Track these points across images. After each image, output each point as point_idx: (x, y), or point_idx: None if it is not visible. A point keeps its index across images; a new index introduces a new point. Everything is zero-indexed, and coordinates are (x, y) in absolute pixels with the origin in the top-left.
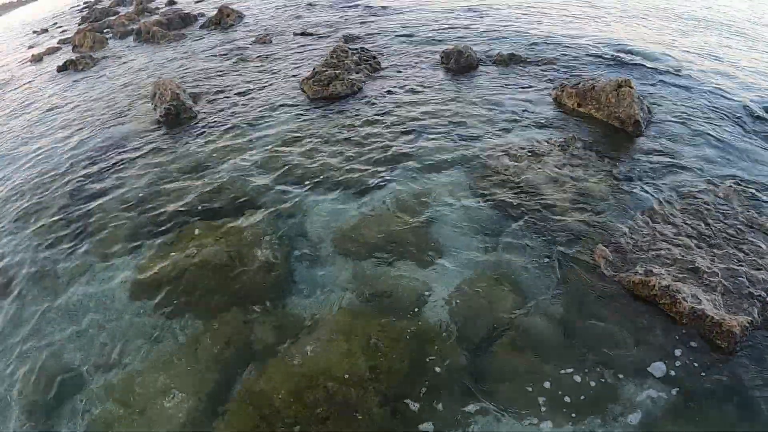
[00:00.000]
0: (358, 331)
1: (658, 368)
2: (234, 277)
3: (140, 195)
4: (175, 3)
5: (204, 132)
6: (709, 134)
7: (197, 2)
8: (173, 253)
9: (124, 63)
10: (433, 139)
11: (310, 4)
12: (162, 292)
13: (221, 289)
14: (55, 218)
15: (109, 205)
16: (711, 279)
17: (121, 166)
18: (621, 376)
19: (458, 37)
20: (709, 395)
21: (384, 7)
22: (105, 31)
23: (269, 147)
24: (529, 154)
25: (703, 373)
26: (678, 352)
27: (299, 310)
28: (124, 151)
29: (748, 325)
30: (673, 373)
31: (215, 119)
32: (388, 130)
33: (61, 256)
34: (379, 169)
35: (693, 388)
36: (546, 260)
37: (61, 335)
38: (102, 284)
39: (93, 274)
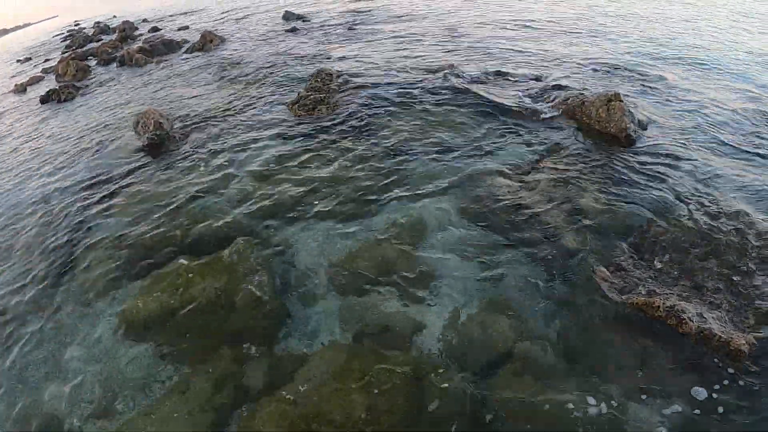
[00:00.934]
0: (353, 367)
1: (668, 392)
2: (223, 315)
3: (125, 231)
4: (158, 30)
5: (189, 161)
6: (703, 143)
7: (180, 29)
8: (160, 293)
9: (108, 91)
10: (422, 161)
11: (293, 29)
12: (150, 334)
13: (211, 329)
14: (37, 258)
15: (92, 243)
16: (715, 296)
17: (105, 201)
18: (630, 401)
19: (441, 55)
20: (723, 417)
21: (366, 29)
22: (88, 58)
23: (255, 175)
24: (521, 172)
25: (715, 394)
26: (684, 374)
27: (292, 347)
28: (107, 185)
29: (756, 341)
30: (683, 395)
31: (200, 147)
32: (376, 154)
33: (44, 298)
34: (369, 195)
35: (705, 411)
36: (544, 284)
37: (46, 383)
38: (88, 328)
39: (78, 318)
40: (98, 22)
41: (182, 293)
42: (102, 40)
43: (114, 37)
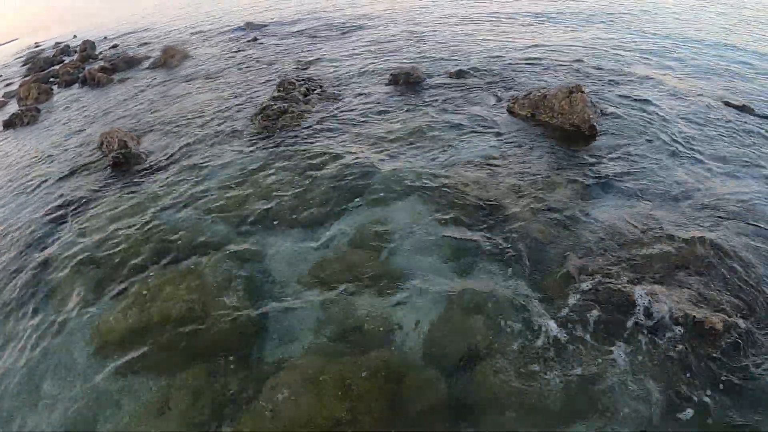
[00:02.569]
0: (331, 372)
1: (646, 370)
2: (197, 328)
3: (94, 249)
4: (118, 47)
5: (155, 177)
6: (665, 130)
7: (141, 45)
8: (133, 308)
9: (71, 113)
10: (387, 164)
11: (254, 39)
12: (125, 351)
13: (186, 342)
14: (5, 282)
15: (63, 263)
16: (687, 277)
17: (73, 221)
18: (607, 389)
19: (404, 58)
20: (700, 392)
21: (328, 36)
22: (51, 80)
23: (223, 187)
24: (488, 168)
25: (692, 372)
26: (665, 355)
27: (268, 356)
28: (74, 205)
29: (729, 321)
30: (664, 375)
31: (166, 163)
32: (343, 159)
33: (17, 319)
34: (338, 201)
35: (685, 387)
36: (516, 276)
37: (20, 404)
38: (62, 347)
39: (52, 337)
40: (59, 43)
41: (155, 308)
42: (63, 61)
43: (75, 57)
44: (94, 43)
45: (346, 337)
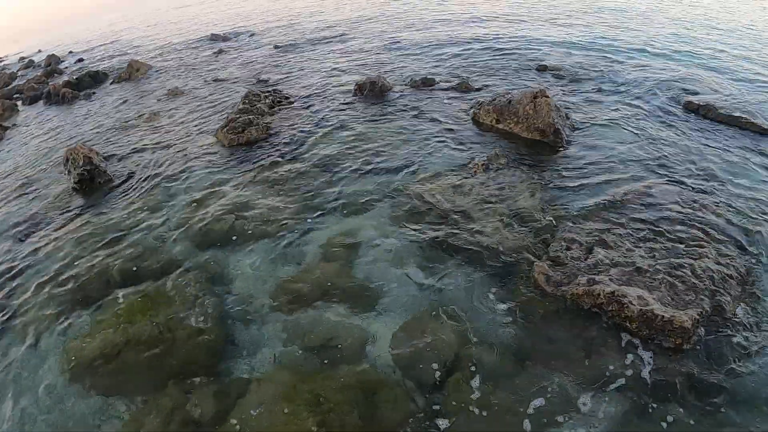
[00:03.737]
0: (303, 387)
1: (615, 376)
2: (167, 347)
3: (61, 270)
4: (83, 61)
5: (121, 195)
6: (629, 133)
7: (106, 58)
8: (102, 330)
9: (36, 129)
10: (354, 176)
11: (219, 51)
12: (97, 374)
13: (157, 363)
14: None
15: (29, 285)
16: (654, 277)
17: (38, 242)
18: (579, 391)
19: (369, 67)
20: (671, 395)
21: (293, 46)
22: (15, 96)
23: (190, 204)
24: (454, 178)
25: (660, 373)
26: (633, 357)
27: (239, 373)
28: (39, 225)
29: (698, 317)
30: (631, 378)
31: (132, 179)
32: (309, 172)
33: None
34: (305, 215)
35: (653, 390)
36: (486, 286)
37: None
38: (31, 372)
39: (21, 362)
40: (23, 58)
41: (124, 329)
42: (27, 76)
43: (39, 72)
44: (59, 57)
45: (317, 352)
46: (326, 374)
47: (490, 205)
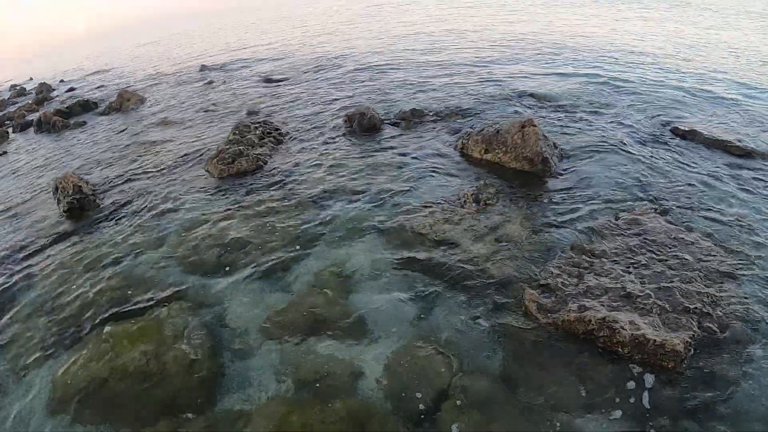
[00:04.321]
0: (294, 421)
1: (608, 401)
2: (157, 380)
3: (49, 299)
4: (74, 90)
5: (111, 224)
6: (617, 160)
7: (97, 88)
8: (90, 362)
9: (26, 157)
10: (345, 207)
11: (209, 82)
12: (84, 407)
13: (145, 396)
14: None
15: (17, 314)
16: (645, 302)
17: (27, 270)
18: (572, 419)
19: (359, 98)
20: (666, 419)
21: (282, 77)
22: (5, 123)
23: (179, 233)
24: (444, 209)
25: (655, 398)
26: (626, 382)
27: (230, 407)
28: (27, 254)
29: (690, 339)
30: (624, 403)
31: (122, 208)
32: (299, 203)
33: None
34: (296, 246)
35: (648, 414)
36: (477, 315)
37: None
38: (18, 404)
39: (6, 393)
40: (14, 85)
41: (113, 361)
42: (18, 103)
43: (30, 100)
44: (50, 85)
45: (309, 384)
46: (317, 406)
47: (480, 234)
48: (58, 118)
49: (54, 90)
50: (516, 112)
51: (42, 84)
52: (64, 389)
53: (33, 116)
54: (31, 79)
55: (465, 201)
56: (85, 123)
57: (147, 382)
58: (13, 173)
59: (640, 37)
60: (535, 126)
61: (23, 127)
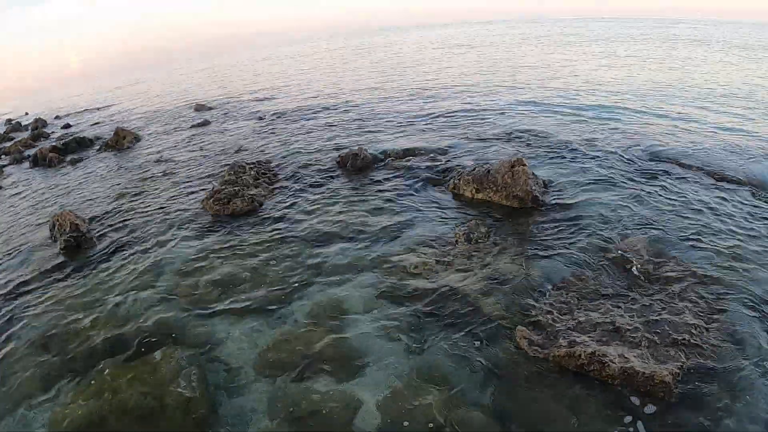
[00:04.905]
0: None
1: None
2: (154, 420)
3: (45, 337)
4: (70, 126)
5: (107, 262)
6: (604, 193)
7: (93, 125)
8: (87, 401)
9: (21, 193)
10: (339, 247)
11: (204, 123)
12: None
13: None
14: None
15: (12, 352)
16: (634, 335)
17: (23, 308)
18: None
19: (351, 138)
20: None
21: (277, 117)
22: (1, 158)
23: (175, 273)
24: (436, 248)
25: (647, 428)
26: (617, 414)
27: None
28: (23, 291)
29: (678, 371)
30: None
31: (118, 247)
32: (293, 243)
33: None
34: (291, 286)
35: None
36: (469, 351)
37: None
38: None
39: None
40: (10, 120)
41: (110, 400)
42: (14, 138)
43: (26, 135)
44: (45, 121)
45: (303, 422)
46: None
47: (472, 272)
48: (54, 154)
49: (50, 126)
50: (505, 149)
51: (38, 119)
52: (61, 427)
53: (29, 152)
54: (27, 114)
55: (457, 240)
56: (81, 160)
57: (144, 422)
58: (9, 208)
59: (627, 72)
60: (524, 165)
61: (18, 162)
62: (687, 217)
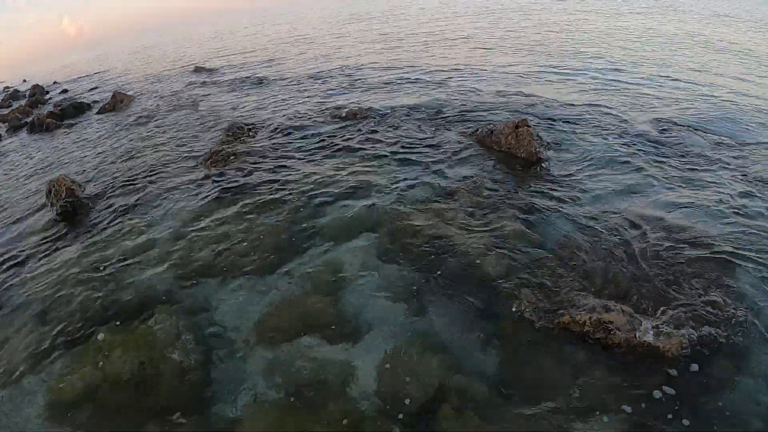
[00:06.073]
0: (288, 426)
1: (604, 402)
2: (150, 387)
3: (41, 304)
4: (68, 92)
5: (103, 227)
6: (610, 157)
7: (91, 90)
8: (83, 368)
9: (18, 159)
10: (338, 206)
11: (203, 83)
12: (79, 414)
13: (138, 403)
14: None
15: (7, 319)
16: (640, 302)
17: (18, 275)
18: (568, 418)
19: (353, 99)
20: (660, 419)
21: (277, 79)
22: None
23: (172, 236)
24: (437, 206)
25: (650, 399)
26: (621, 383)
27: (222, 412)
28: (19, 257)
29: (685, 342)
30: (619, 404)
31: (114, 212)
32: (292, 202)
33: None
34: (288, 246)
35: (642, 415)
36: (471, 315)
37: None
38: (12, 407)
39: (1, 401)
40: (7, 87)
41: (106, 368)
42: (12, 105)
43: (24, 102)
44: (43, 87)
45: (303, 387)
46: (311, 410)
47: (474, 232)
48: (51, 120)
49: (48, 92)
50: (511, 110)
51: (35, 86)
52: (57, 396)
53: (26, 118)
54: (25, 81)
55: (459, 198)
56: (78, 124)
57: (140, 388)
58: (5, 175)
59: (637, 37)
60: (528, 126)
61: (16, 129)
62: (696, 185)
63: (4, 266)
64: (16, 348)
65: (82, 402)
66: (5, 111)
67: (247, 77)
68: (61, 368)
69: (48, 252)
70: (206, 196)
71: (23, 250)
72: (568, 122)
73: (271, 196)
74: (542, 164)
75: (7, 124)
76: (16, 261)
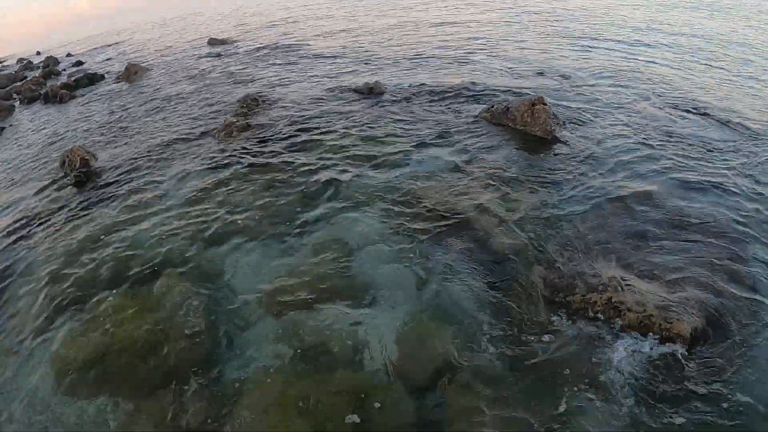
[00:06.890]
0: (296, 391)
1: (614, 381)
2: (158, 351)
3: (51, 271)
4: (82, 63)
5: (117, 196)
6: (625, 136)
7: (104, 61)
8: (93, 332)
9: (33, 130)
10: (350, 176)
11: (218, 55)
12: (86, 378)
13: (147, 367)
14: None
15: (20, 283)
16: (652, 281)
17: (31, 241)
18: (577, 394)
19: (368, 74)
20: (670, 400)
21: (291, 52)
22: (12, 97)
23: (184, 205)
24: (451, 179)
25: (660, 380)
26: (631, 363)
27: (231, 377)
28: (33, 224)
29: (698, 324)
30: (630, 384)
31: (128, 181)
32: (304, 172)
33: None
34: (300, 214)
35: (651, 395)
36: (482, 288)
37: None
38: (20, 372)
39: (8, 366)
40: (22, 59)
41: (115, 331)
42: (26, 77)
43: (38, 73)
44: (57, 59)
45: (310, 355)
46: (319, 378)
47: (486, 205)
48: (65, 91)
49: (61, 63)
50: (528, 87)
51: (49, 57)
52: (65, 359)
53: (40, 90)
54: (39, 53)
55: (473, 172)
56: (92, 95)
57: (148, 353)
58: (20, 146)
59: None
60: (545, 105)
61: (30, 101)
62: (712, 167)
63: (19, 233)
64: (27, 311)
65: (91, 365)
66: (19, 83)
67: (263, 49)
68: (69, 332)
69: (61, 219)
70: (218, 167)
71: (37, 217)
72: (584, 101)
73: (284, 167)
74: (557, 142)
75: (21, 95)
76: (30, 229)
